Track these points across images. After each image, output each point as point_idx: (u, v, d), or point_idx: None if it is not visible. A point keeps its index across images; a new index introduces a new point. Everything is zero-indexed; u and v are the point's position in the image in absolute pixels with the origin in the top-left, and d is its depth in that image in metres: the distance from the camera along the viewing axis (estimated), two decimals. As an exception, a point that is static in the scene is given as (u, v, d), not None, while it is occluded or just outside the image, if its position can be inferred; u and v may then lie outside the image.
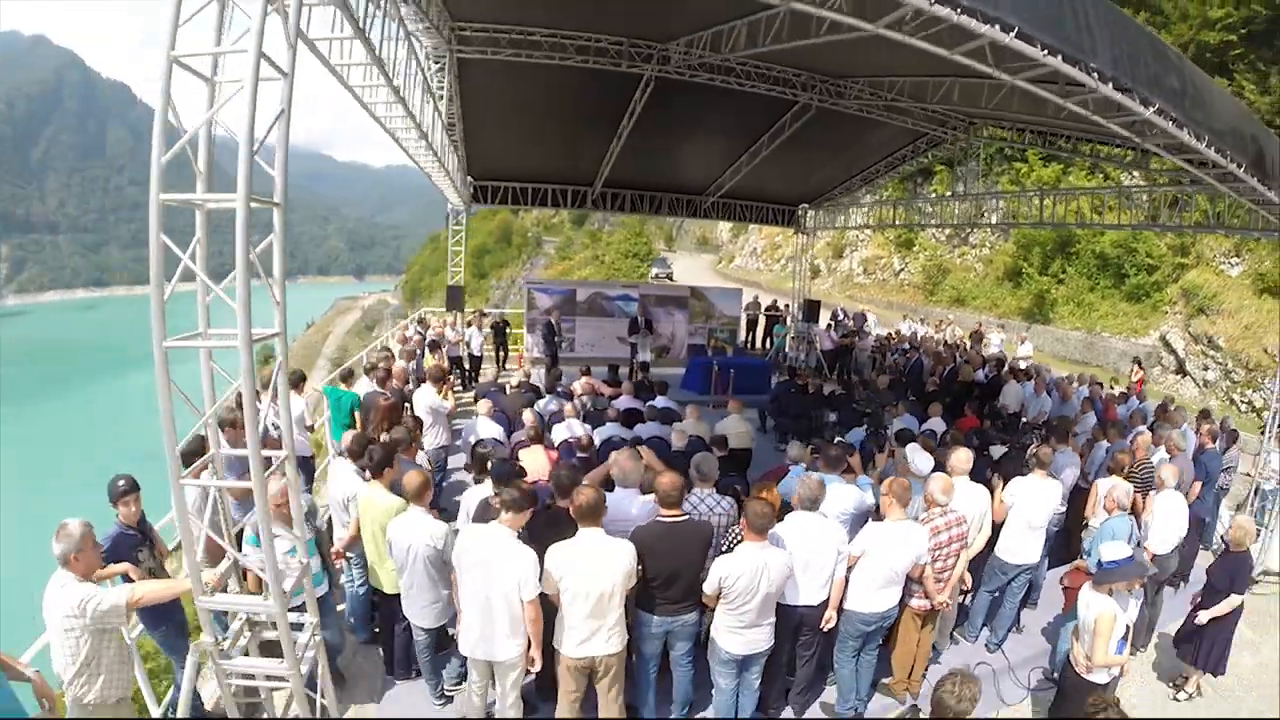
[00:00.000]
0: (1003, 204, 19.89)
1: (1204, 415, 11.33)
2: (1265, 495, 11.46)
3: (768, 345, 23.46)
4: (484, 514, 5.66)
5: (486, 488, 6.15)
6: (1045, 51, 5.79)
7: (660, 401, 10.76)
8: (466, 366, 17.54)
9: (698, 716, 5.98)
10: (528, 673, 5.27)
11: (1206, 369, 21.99)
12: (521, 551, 4.89)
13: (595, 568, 4.81)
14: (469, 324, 18.74)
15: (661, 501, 5.27)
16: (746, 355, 21.89)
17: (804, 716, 6.25)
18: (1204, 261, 24.15)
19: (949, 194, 22.84)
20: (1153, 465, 8.50)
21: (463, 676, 5.96)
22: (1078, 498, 8.72)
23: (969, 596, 7.45)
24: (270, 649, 5.01)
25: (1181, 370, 22.61)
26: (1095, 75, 6.07)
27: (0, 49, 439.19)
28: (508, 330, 19.86)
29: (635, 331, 17.87)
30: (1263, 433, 12.90)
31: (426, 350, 14.55)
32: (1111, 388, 15.47)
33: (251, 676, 4.92)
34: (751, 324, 24.40)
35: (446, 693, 6.14)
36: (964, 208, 19.69)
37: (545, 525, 5.39)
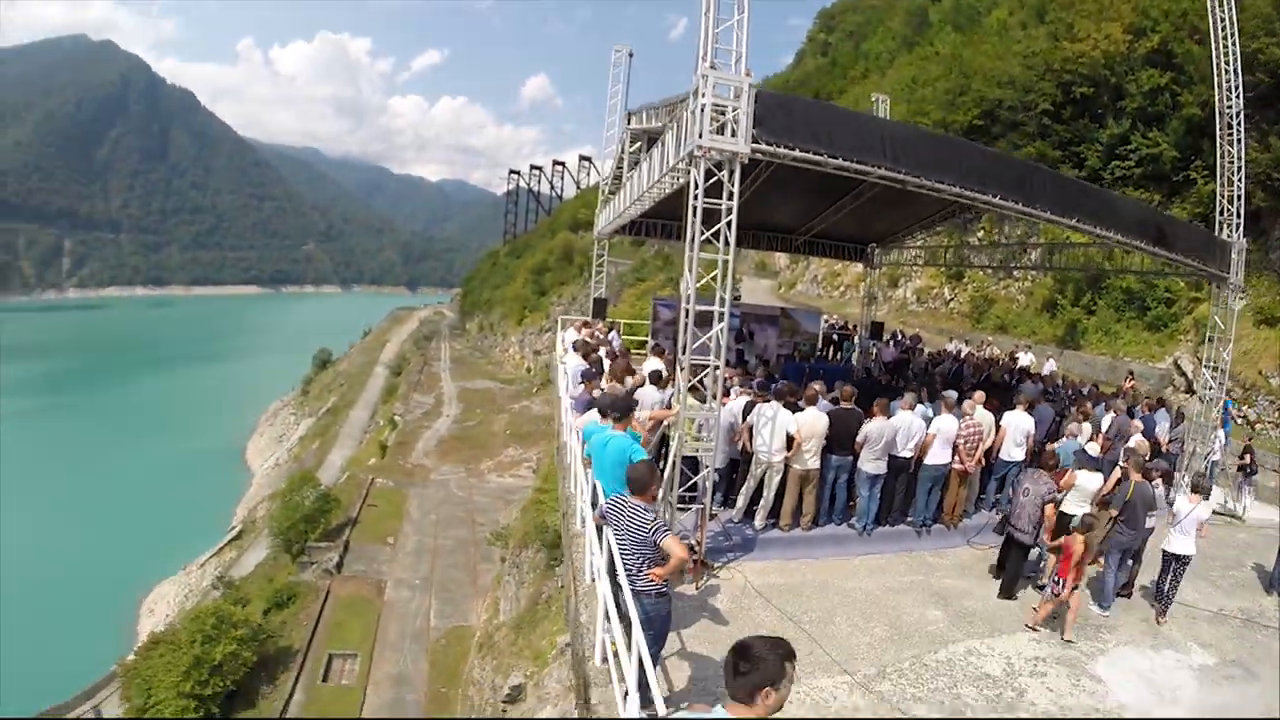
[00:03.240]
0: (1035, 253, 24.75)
1: (1160, 401, 16.97)
2: (1213, 465, 16.83)
3: (839, 358, 28.05)
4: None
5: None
6: (999, 199, 11.17)
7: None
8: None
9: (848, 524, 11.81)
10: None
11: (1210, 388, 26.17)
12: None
13: (814, 424, 10.73)
14: (609, 328, 23.78)
15: (843, 398, 11.31)
16: (826, 364, 25.89)
17: (906, 522, 12.15)
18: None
19: (990, 243, 27.48)
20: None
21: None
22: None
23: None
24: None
25: (1190, 389, 25.78)
26: (1042, 210, 11.71)
27: (67, 52, 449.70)
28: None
29: (741, 341, 22.80)
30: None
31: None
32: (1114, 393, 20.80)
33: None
34: (827, 340, 28.67)
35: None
36: (1005, 248, 24.35)
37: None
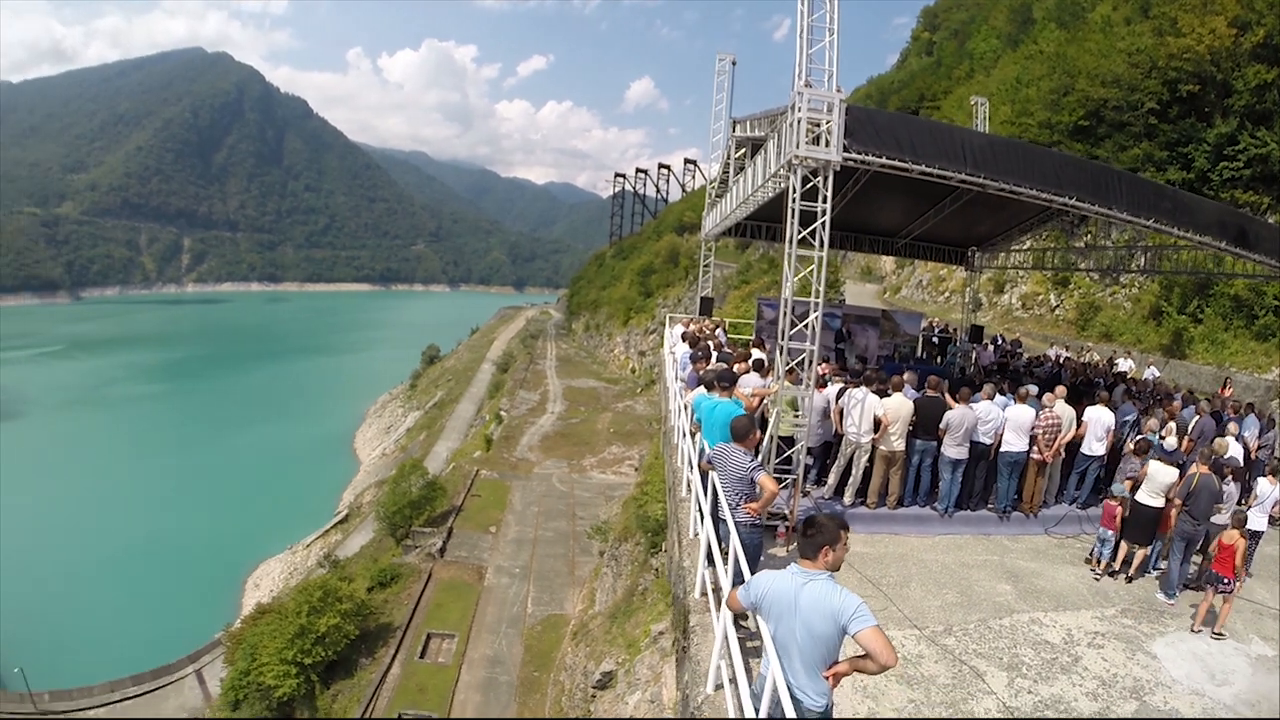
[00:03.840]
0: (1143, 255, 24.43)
1: (1249, 407, 17.24)
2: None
3: (939, 361, 28.06)
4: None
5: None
6: (1076, 200, 11.94)
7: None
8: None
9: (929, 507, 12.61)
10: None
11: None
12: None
13: (900, 409, 11.62)
14: (717, 325, 24.63)
15: (929, 388, 12.15)
16: (925, 365, 26.03)
17: (987, 507, 12.89)
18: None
19: (1093, 246, 27.28)
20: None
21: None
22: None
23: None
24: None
25: (1295, 399, 25.33)
26: (1119, 211, 12.32)
27: (184, 64, 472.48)
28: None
29: (841, 341, 23.36)
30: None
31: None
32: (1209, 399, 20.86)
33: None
34: (927, 343, 28.84)
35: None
36: (1114, 252, 24.27)
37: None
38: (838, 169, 10.27)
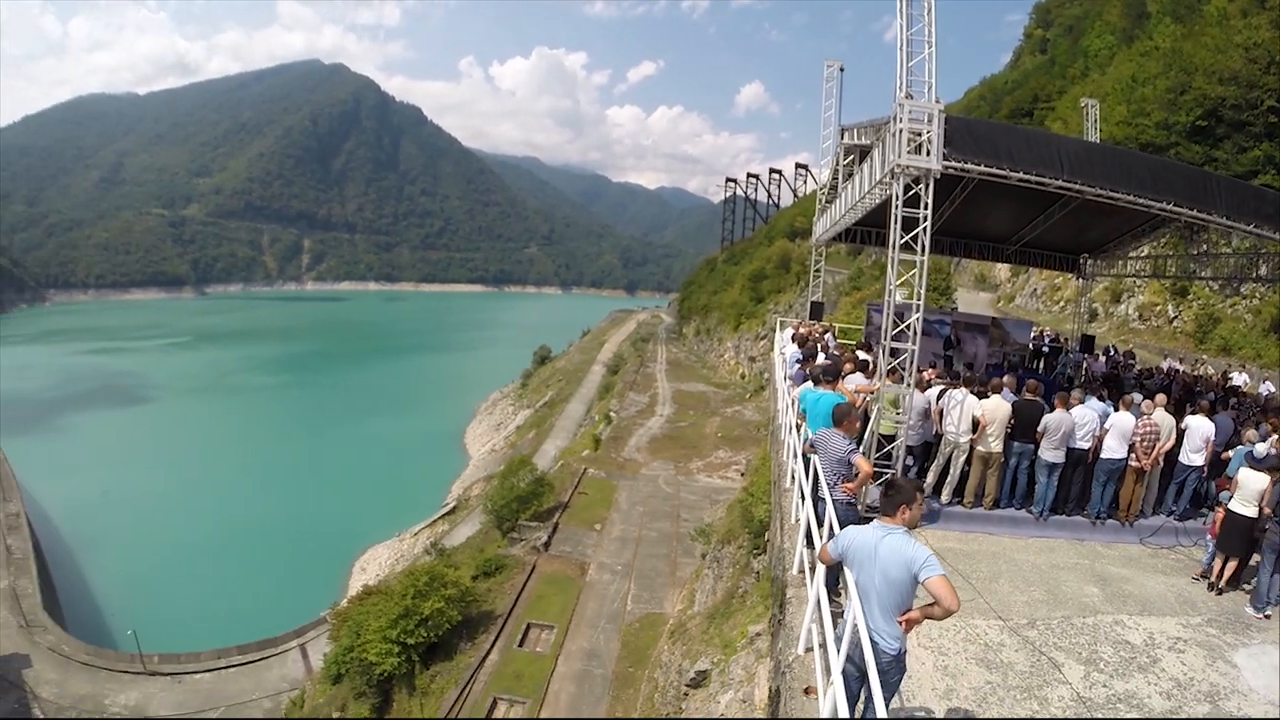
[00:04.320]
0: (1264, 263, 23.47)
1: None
2: None
3: (1049, 370, 27.05)
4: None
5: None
6: (1174, 205, 12.12)
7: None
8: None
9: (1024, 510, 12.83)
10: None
11: None
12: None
13: (997, 410, 11.94)
14: (825, 330, 25.01)
15: (1028, 391, 12.42)
16: (1034, 374, 26.63)
17: (1082, 513, 12.91)
18: None
19: (1214, 253, 26.26)
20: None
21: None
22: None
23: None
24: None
25: None
26: (1218, 216, 12.36)
27: (302, 75, 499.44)
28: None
29: (949, 348, 23.34)
30: None
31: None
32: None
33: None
34: (1037, 352, 28.15)
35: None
36: (1234, 260, 23.32)
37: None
38: (938, 177, 10.73)
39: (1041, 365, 27.86)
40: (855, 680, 5.97)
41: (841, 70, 24.80)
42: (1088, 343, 27.79)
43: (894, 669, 6.04)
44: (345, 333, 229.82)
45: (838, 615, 6.97)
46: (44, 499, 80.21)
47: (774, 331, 33.96)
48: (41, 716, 44.96)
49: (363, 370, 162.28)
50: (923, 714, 7.30)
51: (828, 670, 5.94)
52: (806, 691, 7.50)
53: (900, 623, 5.95)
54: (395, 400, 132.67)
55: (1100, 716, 7.50)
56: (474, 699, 36.39)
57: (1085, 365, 26.13)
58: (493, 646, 39.84)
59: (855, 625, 5.85)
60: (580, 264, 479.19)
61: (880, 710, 5.10)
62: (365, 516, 79.00)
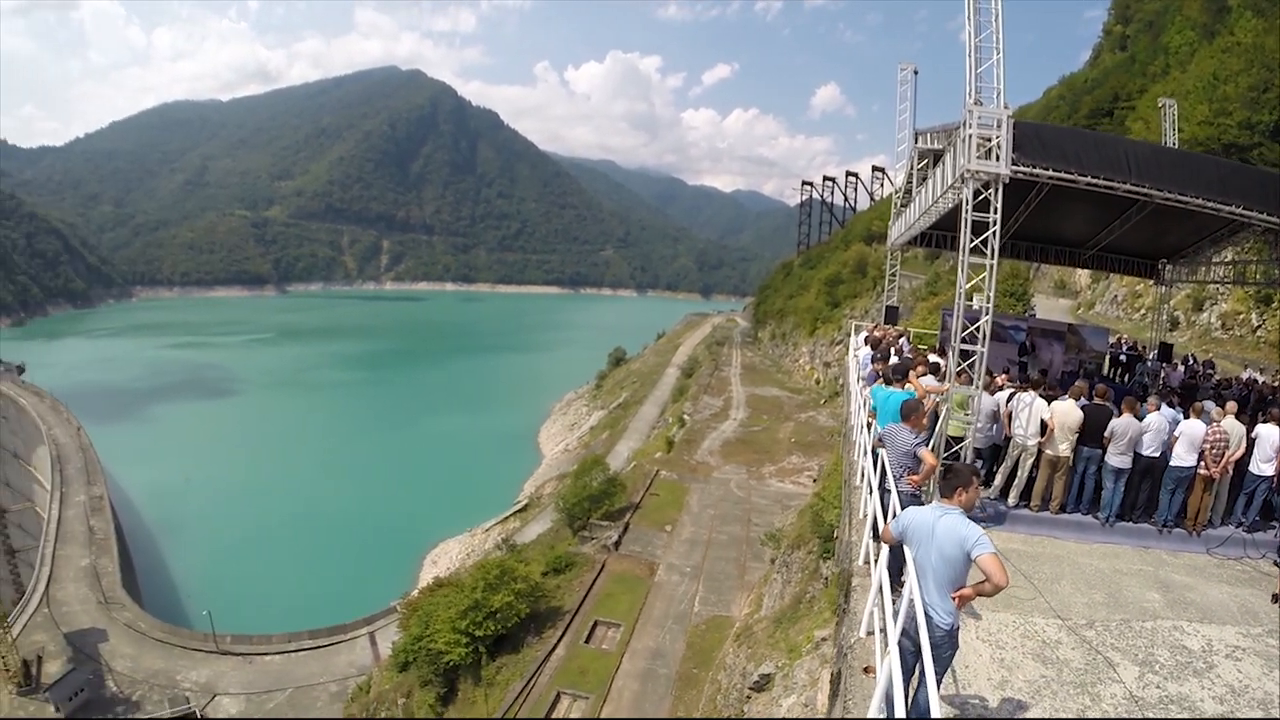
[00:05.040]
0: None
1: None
2: None
3: (1126, 379, 26.92)
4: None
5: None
6: (1244, 209, 12.03)
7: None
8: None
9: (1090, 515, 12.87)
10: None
11: None
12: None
13: (1067, 415, 12.06)
14: (900, 335, 24.82)
15: (1098, 396, 12.50)
16: (1109, 383, 26.23)
17: (1149, 521, 12.84)
18: None
19: None
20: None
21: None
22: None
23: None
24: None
25: None
26: None
27: (380, 81, 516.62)
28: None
29: (1024, 354, 23.20)
30: None
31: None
32: None
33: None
34: (1114, 360, 27.83)
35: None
36: None
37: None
38: (1006, 182, 10.90)
39: (1119, 374, 27.55)
40: (911, 654, 6.27)
41: (915, 73, 24.74)
42: (1166, 351, 27.14)
43: (946, 644, 6.36)
44: (423, 332, 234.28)
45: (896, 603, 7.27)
46: (128, 484, 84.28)
47: (849, 336, 33.94)
48: (115, 689, 46.89)
49: (439, 369, 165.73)
50: (977, 701, 7.53)
51: (887, 651, 6.21)
52: (866, 670, 7.86)
53: (954, 598, 6.30)
54: (470, 399, 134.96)
55: (1151, 716, 7.61)
56: (538, 692, 36.98)
57: (1162, 374, 25.69)
58: (559, 641, 40.40)
59: (911, 600, 6.31)
60: (655, 267, 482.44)
61: (931, 681, 5.43)
62: (438, 511, 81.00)
